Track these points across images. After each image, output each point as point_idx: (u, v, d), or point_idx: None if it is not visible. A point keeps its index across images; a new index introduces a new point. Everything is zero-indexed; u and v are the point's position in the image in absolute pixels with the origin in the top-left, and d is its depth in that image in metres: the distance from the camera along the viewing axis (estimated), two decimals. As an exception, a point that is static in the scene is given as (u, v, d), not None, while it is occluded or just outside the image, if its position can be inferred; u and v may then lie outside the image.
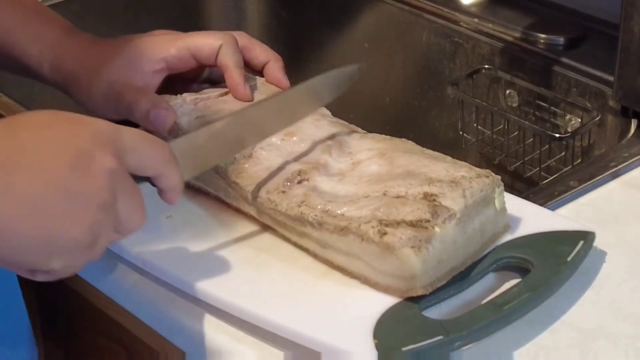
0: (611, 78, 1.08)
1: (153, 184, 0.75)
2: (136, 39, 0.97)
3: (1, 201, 0.65)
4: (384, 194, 0.82)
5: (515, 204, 0.87)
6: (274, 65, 0.98)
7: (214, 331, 0.81)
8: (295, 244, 0.85)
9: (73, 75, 0.97)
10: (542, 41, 1.21)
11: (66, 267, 0.69)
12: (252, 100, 0.95)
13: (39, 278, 0.70)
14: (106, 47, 0.98)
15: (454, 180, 0.82)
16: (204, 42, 0.96)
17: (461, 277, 0.81)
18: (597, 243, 0.86)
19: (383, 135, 0.91)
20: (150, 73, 0.96)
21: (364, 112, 1.36)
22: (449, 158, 0.86)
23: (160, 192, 0.75)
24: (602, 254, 0.86)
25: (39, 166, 0.66)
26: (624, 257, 0.87)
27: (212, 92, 0.96)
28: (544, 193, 0.95)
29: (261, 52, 0.98)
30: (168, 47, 0.96)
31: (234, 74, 0.95)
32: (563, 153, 1.17)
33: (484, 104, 1.21)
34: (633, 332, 0.79)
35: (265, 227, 0.87)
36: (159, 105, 0.92)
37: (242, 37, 0.98)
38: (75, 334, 0.96)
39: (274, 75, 0.98)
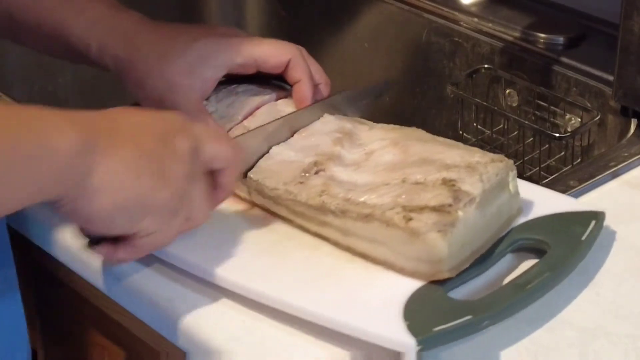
0: (611, 77, 1.08)
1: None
2: (200, 42, 0.93)
3: (108, 161, 0.72)
4: (403, 181, 0.83)
5: (525, 188, 0.89)
6: (306, 84, 0.95)
7: (215, 331, 0.81)
8: (315, 234, 0.86)
9: (125, 62, 0.93)
10: (541, 40, 1.21)
11: (150, 236, 0.77)
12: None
13: (121, 254, 0.78)
14: (166, 39, 0.93)
15: (470, 166, 0.83)
16: (271, 56, 0.94)
17: (481, 260, 0.83)
18: (597, 242, 0.86)
19: (392, 125, 0.92)
20: (211, 80, 0.94)
21: (364, 111, 1.36)
22: (461, 144, 0.88)
23: (216, 188, 0.81)
24: (602, 253, 0.86)
25: (133, 140, 0.75)
26: (624, 256, 0.87)
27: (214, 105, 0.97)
28: (543, 192, 0.95)
29: (300, 71, 0.96)
30: (234, 56, 0.93)
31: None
32: (563, 152, 1.17)
33: (484, 103, 1.21)
34: (633, 332, 0.79)
35: (282, 219, 0.88)
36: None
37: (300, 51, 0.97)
38: (75, 334, 0.96)
39: (301, 94, 0.95)
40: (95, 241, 0.78)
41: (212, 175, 0.80)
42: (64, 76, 1.46)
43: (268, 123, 0.91)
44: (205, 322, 0.82)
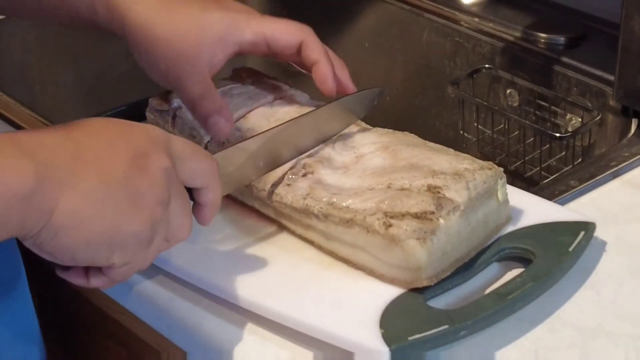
0: (612, 77, 1.08)
1: (191, 199, 0.75)
2: (211, 14, 0.89)
3: (69, 196, 0.67)
4: (389, 187, 0.82)
5: (516, 196, 0.88)
6: (324, 64, 0.92)
7: (216, 331, 0.81)
8: (300, 237, 0.86)
9: (132, 29, 0.88)
10: (542, 40, 1.21)
11: (123, 267, 0.71)
12: (334, 94, 0.92)
13: (94, 282, 0.72)
14: (175, 8, 0.89)
15: (457, 173, 0.83)
16: (282, 34, 0.91)
17: (465, 268, 0.82)
18: (598, 242, 0.86)
19: (385, 129, 0.92)
20: (220, 55, 0.89)
21: (365, 111, 1.36)
22: (451, 150, 0.87)
23: (199, 208, 0.76)
24: (602, 254, 0.86)
25: (99, 164, 0.68)
26: (625, 256, 0.87)
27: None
28: (544, 192, 0.95)
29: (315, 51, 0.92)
30: (244, 31, 0.90)
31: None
32: (563, 152, 1.17)
33: (485, 103, 1.21)
34: (633, 332, 0.79)
35: (270, 221, 0.88)
36: (223, 113, 0.89)
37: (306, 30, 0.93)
38: (76, 333, 0.96)
39: (321, 75, 0.91)
40: (65, 267, 0.73)
41: (191, 192, 0.76)
42: (64, 76, 1.46)
43: (251, 137, 0.85)
44: (206, 321, 0.82)
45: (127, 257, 0.71)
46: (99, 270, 0.72)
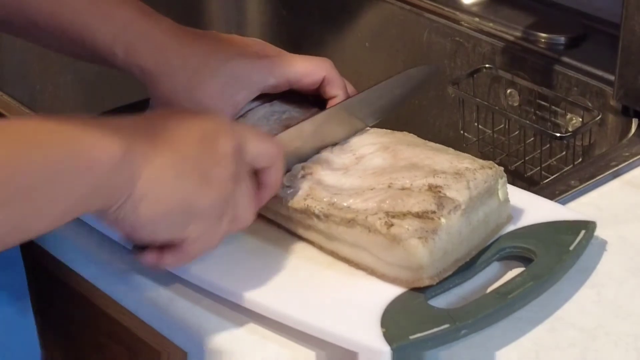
0: (612, 77, 1.08)
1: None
2: (232, 62, 0.90)
3: (151, 167, 0.72)
4: (389, 186, 0.82)
5: (517, 196, 0.88)
6: (342, 99, 0.93)
7: (216, 331, 0.81)
8: (301, 238, 0.86)
9: (152, 74, 0.89)
10: (542, 40, 1.21)
11: (196, 242, 0.76)
12: None
13: (168, 259, 0.77)
14: (197, 56, 0.90)
15: (458, 172, 0.83)
16: (305, 73, 0.92)
17: (466, 267, 0.82)
18: (598, 242, 0.86)
19: (384, 130, 0.92)
20: (242, 102, 0.91)
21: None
22: (451, 150, 0.87)
23: (261, 187, 0.80)
24: (603, 253, 0.86)
25: (173, 142, 0.74)
26: (625, 256, 0.87)
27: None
28: (544, 192, 0.95)
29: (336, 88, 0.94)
30: (267, 77, 0.91)
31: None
32: (564, 152, 1.17)
33: (485, 103, 1.21)
34: (634, 331, 0.79)
35: (270, 222, 0.88)
36: None
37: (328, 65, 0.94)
38: (75, 333, 0.96)
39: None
40: (140, 248, 0.77)
41: (256, 175, 0.80)
42: (64, 76, 1.46)
43: (304, 120, 0.88)
44: (206, 321, 0.82)
45: (201, 229, 0.75)
46: (172, 248, 0.76)
